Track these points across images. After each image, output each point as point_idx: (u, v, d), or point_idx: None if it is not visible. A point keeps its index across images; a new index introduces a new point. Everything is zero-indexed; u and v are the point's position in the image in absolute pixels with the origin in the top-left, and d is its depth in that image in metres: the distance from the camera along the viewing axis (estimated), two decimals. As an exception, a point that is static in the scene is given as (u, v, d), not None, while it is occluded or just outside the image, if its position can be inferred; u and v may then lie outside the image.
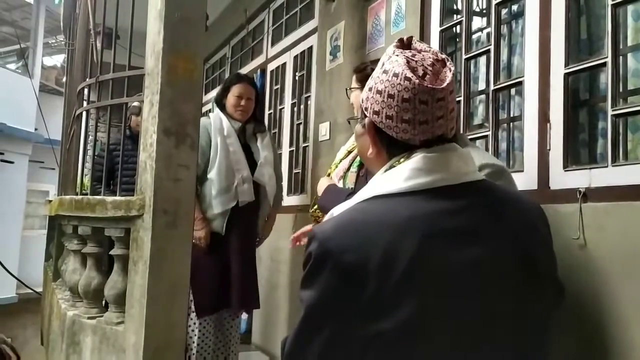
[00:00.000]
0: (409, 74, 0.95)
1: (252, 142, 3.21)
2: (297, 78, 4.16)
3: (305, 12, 4.16)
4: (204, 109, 5.66)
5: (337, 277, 0.88)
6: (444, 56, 1.01)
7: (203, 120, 3.03)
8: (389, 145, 1.01)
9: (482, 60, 2.49)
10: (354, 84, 2.45)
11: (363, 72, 2.52)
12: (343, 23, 3.39)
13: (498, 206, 0.99)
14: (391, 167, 1.00)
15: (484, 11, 2.53)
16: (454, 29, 2.59)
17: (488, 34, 2.46)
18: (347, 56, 3.31)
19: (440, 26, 2.61)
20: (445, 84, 0.96)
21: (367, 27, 3.12)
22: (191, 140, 2.57)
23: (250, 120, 3.21)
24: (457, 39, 2.59)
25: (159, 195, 2.55)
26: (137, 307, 2.53)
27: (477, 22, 2.58)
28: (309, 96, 3.89)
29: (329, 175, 2.45)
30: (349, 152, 2.33)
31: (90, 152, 3.82)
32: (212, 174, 3.03)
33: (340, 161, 2.37)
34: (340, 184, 2.33)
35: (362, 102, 1.04)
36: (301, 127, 4.09)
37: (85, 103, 3.22)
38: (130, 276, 2.63)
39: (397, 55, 0.99)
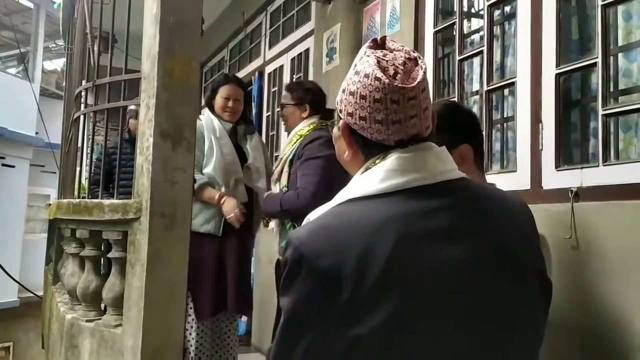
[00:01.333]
0: (379, 74, 0.94)
1: (244, 143, 3.22)
2: (294, 80, 4.17)
3: (301, 15, 4.18)
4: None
5: (312, 282, 0.87)
6: (416, 54, 1.00)
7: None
8: (365, 147, 1.00)
9: (476, 61, 2.50)
10: (289, 100, 2.86)
11: (296, 92, 2.89)
12: (339, 25, 3.40)
13: (478, 204, 0.98)
14: (367, 169, 0.99)
15: (479, 12, 2.54)
16: (449, 30, 2.60)
17: (481, 35, 2.48)
18: (344, 58, 3.32)
19: (434, 27, 2.62)
20: (416, 83, 0.95)
21: (363, 29, 3.14)
22: (188, 143, 2.59)
23: (240, 121, 3.22)
24: (451, 40, 2.60)
25: (156, 198, 2.56)
26: (134, 309, 2.54)
27: (471, 23, 2.59)
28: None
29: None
30: (281, 159, 2.84)
31: (88, 155, 3.87)
32: (207, 173, 3.04)
33: (275, 168, 2.89)
34: (276, 187, 2.85)
35: (337, 104, 1.04)
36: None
37: (83, 107, 3.23)
38: (127, 279, 2.64)
39: (369, 56, 0.98)
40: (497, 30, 2.36)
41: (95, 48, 3.23)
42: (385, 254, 0.85)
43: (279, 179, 2.86)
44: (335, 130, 1.08)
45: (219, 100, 3.13)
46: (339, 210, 0.95)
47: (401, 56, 0.98)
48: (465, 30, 2.51)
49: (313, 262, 0.87)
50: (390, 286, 0.85)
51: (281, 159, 2.88)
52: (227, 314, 3.13)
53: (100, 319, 2.79)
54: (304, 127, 2.82)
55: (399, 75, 0.95)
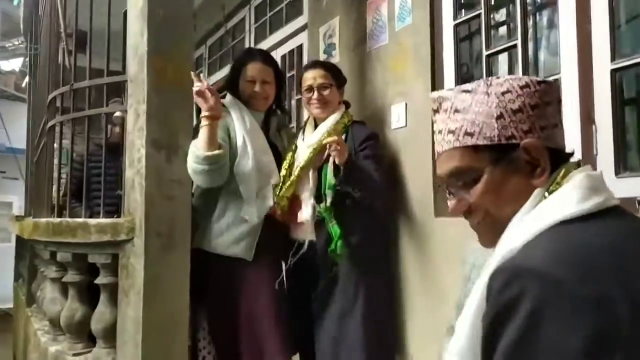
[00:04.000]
0: (540, 79, 0.95)
1: (277, 140, 2.55)
2: (286, 79, 3.90)
3: (291, 9, 3.91)
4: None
5: (588, 314, 0.70)
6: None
7: None
8: (552, 160, 0.92)
9: (502, 57, 2.29)
10: (331, 80, 2.49)
11: (335, 72, 2.51)
12: (337, 19, 3.15)
13: None
14: (550, 191, 0.90)
15: (507, 2, 2.32)
16: (472, 23, 2.37)
17: (509, 28, 2.27)
18: (345, 54, 3.07)
19: (454, 20, 2.39)
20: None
21: (367, 23, 2.89)
22: (184, 152, 2.31)
23: (272, 110, 2.57)
24: (476, 34, 2.37)
25: (152, 216, 2.28)
26: (130, 343, 2.25)
27: (497, 14, 2.37)
28: (301, 98, 3.63)
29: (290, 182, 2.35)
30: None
31: (65, 169, 3.52)
32: (240, 176, 2.31)
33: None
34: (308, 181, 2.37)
35: (497, 137, 0.93)
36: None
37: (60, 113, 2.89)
38: (120, 308, 2.35)
39: (498, 78, 0.96)
40: (529, 21, 2.14)
41: (72, 48, 2.89)
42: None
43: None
44: (492, 177, 0.95)
45: (242, 85, 2.46)
46: (558, 234, 0.82)
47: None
48: (490, 23, 2.28)
49: (577, 288, 0.72)
50: None
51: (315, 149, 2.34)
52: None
53: (89, 351, 2.50)
54: (343, 116, 2.48)
55: None
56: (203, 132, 2.18)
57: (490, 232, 0.98)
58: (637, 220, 0.89)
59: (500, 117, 0.93)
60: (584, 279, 0.72)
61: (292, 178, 2.34)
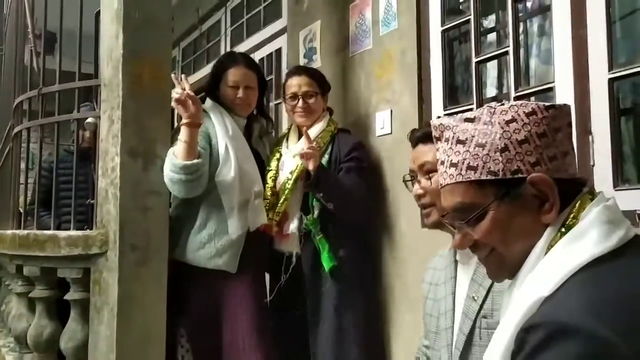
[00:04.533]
0: (547, 104, 0.89)
1: (259, 146, 2.45)
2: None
3: (270, 11, 3.81)
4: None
5: None
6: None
7: None
8: (560, 194, 0.86)
9: (491, 64, 2.24)
10: (316, 89, 2.42)
11: (320, 79, 2.46)
12: (319, 23, 3.06)
13: None
14: (567, 227, 0.84)
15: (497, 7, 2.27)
16: (460, 28, 2.32)
17: (499, 34, 2.22)
18: (326, 58, 2.99)
19: (442, 25, 2.32)
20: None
21: (350, 27, 2.81)
22: (161, 161, 2.19)
23: (254, 115, 2.47)
24: (464, 40, 2.32)
25: (126, 229, 2.16)
26: (104, 363, 2.13)
27: (486, 20, 2.32)
28: (280, 103, 3.53)
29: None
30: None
31: (31, 174, 3.35)
32: (222, 186, 2.21)
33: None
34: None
35: (502, 172, 0.87)
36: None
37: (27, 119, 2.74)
38: (92, 325, 2.22)
39: (503, 105, 0.90)
40: (520, 27, 2.09)
41: (39, 49, 2.74)
42: None
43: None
44: (497, 213, 0.88)
45: (224, 90, 2.36)
46: (591, 280, 0.76)
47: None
48: (480, 29, 2.23)
49: (622, 347, 0.66)
50: None
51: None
52: None
53: (59, 373, 2.35)
54: (329, 124, 2.41)
55: None
56: (182, 140, 2.08)
57: (498, 269, 0.94)
58: None
59: (505, 149, 0.87)
60: (627, 334, 0.67)
61: (286, 193, 2.25)
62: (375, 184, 2.50)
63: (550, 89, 1.88)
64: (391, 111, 2.52)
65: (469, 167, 0.89)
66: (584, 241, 0.80)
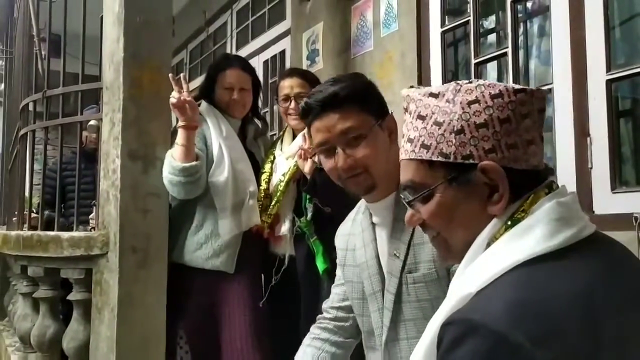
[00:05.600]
0: (517, 86, 0.81)
1: (254, 148, 2.44)
2: (269, 84, 3.81)
3: (274, 13, 3.82)
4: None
5: None
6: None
7: None
8: (513, 186, 0.79)
9: (490, 65, 2.22)
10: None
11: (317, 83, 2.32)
12: (321, 24, 3.07)
13: (632, 258, 0.84)
14: (513, 221, 0.78)
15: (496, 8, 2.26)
16: (460, 29, 2.31)
17: (499, 35, 2.20)
18: (328, 60, 2.99)
19: (441, 27, 2.32)
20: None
21: (352, 28, 2.81)
22: (162, 163, 2.20)
23: (249, 117, 2.46)
24: (464, 41, 2.31)
25: (127, 230, 2.17)
26: (104, 364, 2.15)
27: (485, 22, 2.31)
28: (284, 105, 3.54)
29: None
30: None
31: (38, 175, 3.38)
32: (215, 187, 2.20)
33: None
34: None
35: (453, 155, 0.81)
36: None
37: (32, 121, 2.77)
38: (94, 326, 2.24)
39: (471, 83, 0.82)
40: (520, 28, 2.08)
41: (44, 52, 2.77)
42: (612, 333, 0.68)
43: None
44: (448, 193, 0.83)
45: (219, 92, 2.35)
46: (522, 280, 0.72)
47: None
48: (479, 30, 2.22)
49: (534, 353, 0.63)
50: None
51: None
52: None
53: (61, 372, 2.38)
54: None
55: None
56: (179, 143, 2.09)
57: (445, 253, 0.90)
58: (614, 249, 0.81)
59: (460, 131, 0.81)
60: (544, 340, 0.64)
61: (278, 195, 2.24)
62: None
63: (549, 90, 1.87)
64: (392, 112, 2.51)
65: (423, 145, 0.84)
66: (526, 238, 0.76)
